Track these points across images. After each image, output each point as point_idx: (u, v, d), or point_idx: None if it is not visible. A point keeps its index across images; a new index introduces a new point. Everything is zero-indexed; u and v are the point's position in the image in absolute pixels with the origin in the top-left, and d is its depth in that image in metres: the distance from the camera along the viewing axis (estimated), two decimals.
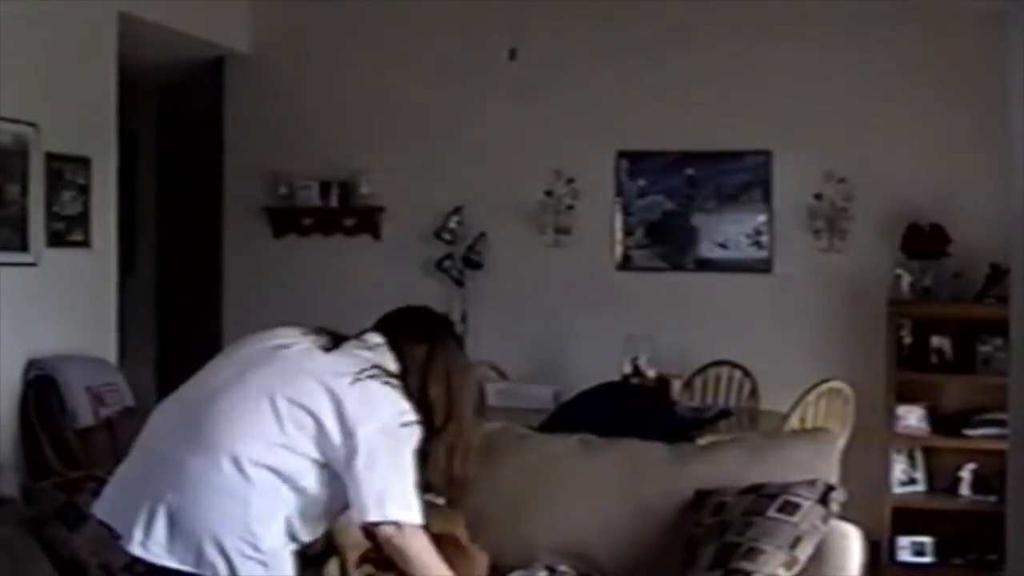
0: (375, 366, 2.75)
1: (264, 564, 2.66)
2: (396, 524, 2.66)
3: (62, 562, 3.42)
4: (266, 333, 2.86)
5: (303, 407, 2.67)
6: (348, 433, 2.65)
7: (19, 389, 5.65)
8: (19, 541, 3.43)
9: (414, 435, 2.74)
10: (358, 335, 2.87)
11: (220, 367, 2.83)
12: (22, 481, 5.35)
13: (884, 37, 6.64)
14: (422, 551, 2.71)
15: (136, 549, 2.65)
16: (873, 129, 6.64)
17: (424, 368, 2.82)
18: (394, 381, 2.75)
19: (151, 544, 2.63)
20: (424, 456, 2.76)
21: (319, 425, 2.66)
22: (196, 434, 2.68)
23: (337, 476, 2.69)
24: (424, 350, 2.84)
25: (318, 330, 2.86)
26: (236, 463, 2.62)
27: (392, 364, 2.79)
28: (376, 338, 2.85)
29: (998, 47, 5.00)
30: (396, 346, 2.84)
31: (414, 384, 2.79)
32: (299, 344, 2.79)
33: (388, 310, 2.95)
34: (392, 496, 2.66)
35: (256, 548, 2.64)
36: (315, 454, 2.67)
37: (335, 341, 2.81)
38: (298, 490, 2.68)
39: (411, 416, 2.74)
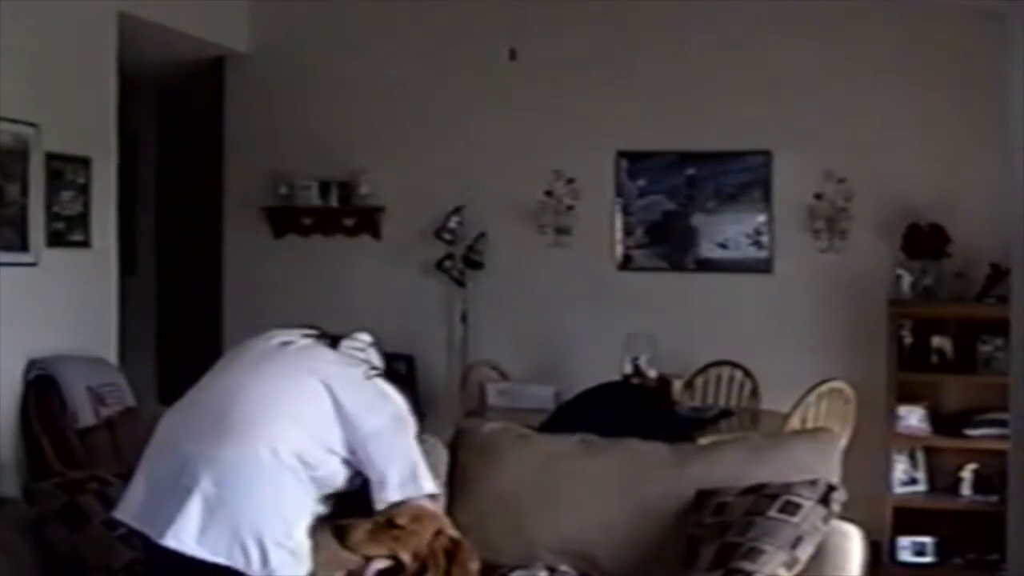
0: (373, 367, 2.98)
1: (294, 554, 2.75)
2: (431, 496, 2.91)
3: (62, 562, 3.42)
4: (264, 335, 3.01)
5: (317, 402, 2.84)
6: (364, 422, 2.85)
7: (19, 389, 5.66)
8: (20, 541, 3.42)
9: (414, 425, 3.00)
10: (348, 335, 3.07)
11: (230, 367, 2.94)
12: (23, 481, 5.34)
13: (884, 37, 6.63)
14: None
15: (170, 541, 2.71)
16: (873, 129, 6.64)
17: None
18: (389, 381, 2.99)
19: (184, 536, 2.70)
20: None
21: (332, 418, 2.84)
22: (228, 428, 2.76)
23: (351, 465, 2.86)
24: None
25: (311, 331, 3.04)
26: (274, 452, 2.73)
27: (379, 362, 3.03)
28: (365, 336, 3.08)
29: (998, 47, 5.01)
30: None
31: None
32: (301, 341, 2.96)
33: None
34: (422, 470, 2.90)
35: (289, 536, 2.74)
36: (339, 448, 2.84)
37: (333, 340, 3.01)
38: (320, 477, 2.83)
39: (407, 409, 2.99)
